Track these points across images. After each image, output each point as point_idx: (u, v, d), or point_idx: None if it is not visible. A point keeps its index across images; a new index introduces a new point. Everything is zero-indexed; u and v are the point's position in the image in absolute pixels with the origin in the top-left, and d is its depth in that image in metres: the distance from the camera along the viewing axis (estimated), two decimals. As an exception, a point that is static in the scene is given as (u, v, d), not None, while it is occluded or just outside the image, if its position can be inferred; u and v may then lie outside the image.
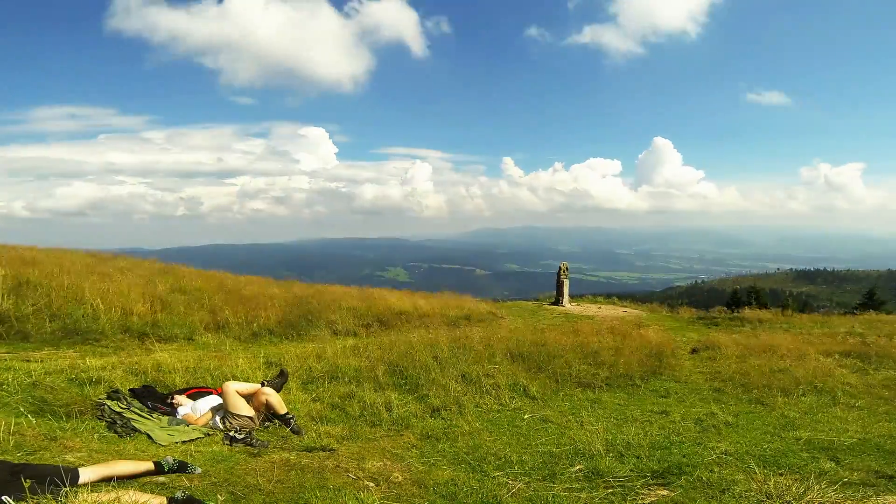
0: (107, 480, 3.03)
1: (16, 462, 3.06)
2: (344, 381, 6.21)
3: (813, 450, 4.31)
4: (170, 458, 3.42)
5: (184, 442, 4.42)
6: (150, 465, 3.33)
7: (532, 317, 16.25)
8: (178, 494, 3.01)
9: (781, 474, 3.58)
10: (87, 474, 2.99)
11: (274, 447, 4.39)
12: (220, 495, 3.18)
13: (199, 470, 3.44)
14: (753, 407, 6.24)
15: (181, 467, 3.39)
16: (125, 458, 3.48)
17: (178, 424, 4.76)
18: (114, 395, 4.95)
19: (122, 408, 4.75)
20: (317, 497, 3.18)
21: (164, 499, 2.93)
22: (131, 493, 2.85)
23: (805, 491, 3.18)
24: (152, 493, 3.01)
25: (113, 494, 2.77)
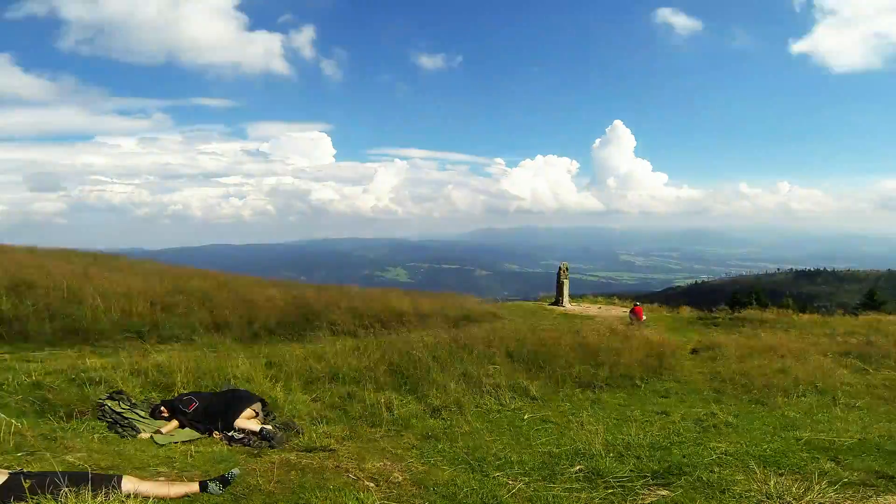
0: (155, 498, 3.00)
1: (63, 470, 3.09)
2: (344, 381, 6.21)
3: (813, 450, 4.31)
4: (214, 487, 3.27)
5: (184, 442, 4.42)
6: (196, 488, 3.25)
7: (532, 317, 16.26)
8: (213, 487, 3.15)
9: (782, 474, 3.57)
10: (134, 486, 2.98)
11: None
12: (221, 496, 3.18)
13: (236, 471, 3.41)
14: (754, 407, 6.23)
15: (223, 482, 3.30)
16: (177, 481, 3.37)
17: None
18: (115, 395, 4.95)
19: (123, 408, 4.75)
20: (317, 497, 3.18)
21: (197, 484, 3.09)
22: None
23: (805, 491, 3.18)
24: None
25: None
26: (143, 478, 3.20)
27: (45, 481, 2.70)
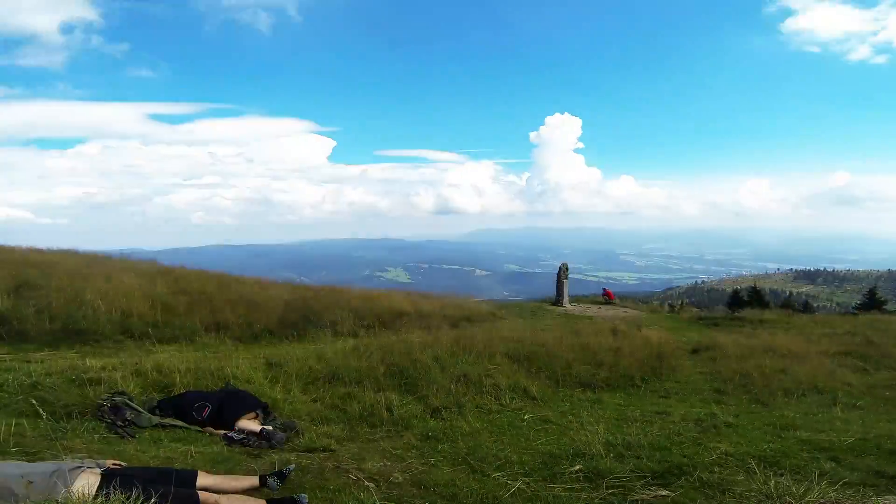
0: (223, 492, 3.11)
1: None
2: (344, 381, 6.20)
3: (813, 450, 4.31)
4: (272, 482, 3.34)
5: (174, 431, 4.42)
6: (256, 482, 3.33)
7: (532, 317, 16.25)
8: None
9: (782, 474, 3.57)
10: (206, 479, 3.11)
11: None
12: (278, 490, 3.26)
13: (293, 466, 3.49)
14: (754, 407, 6.23)
15: (281, 477, 3.37)
16: (241, 475, 3.46)
17: (178, 425, 4.75)
18: (116, 395, 4.95)
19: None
20: (317, 497, 3.18)
21: (264, 501, 3.08)
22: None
23: (805, 491, 3.17)
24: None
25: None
26: (209, 472, 3.31)
27: (132, 479, 2.81)
